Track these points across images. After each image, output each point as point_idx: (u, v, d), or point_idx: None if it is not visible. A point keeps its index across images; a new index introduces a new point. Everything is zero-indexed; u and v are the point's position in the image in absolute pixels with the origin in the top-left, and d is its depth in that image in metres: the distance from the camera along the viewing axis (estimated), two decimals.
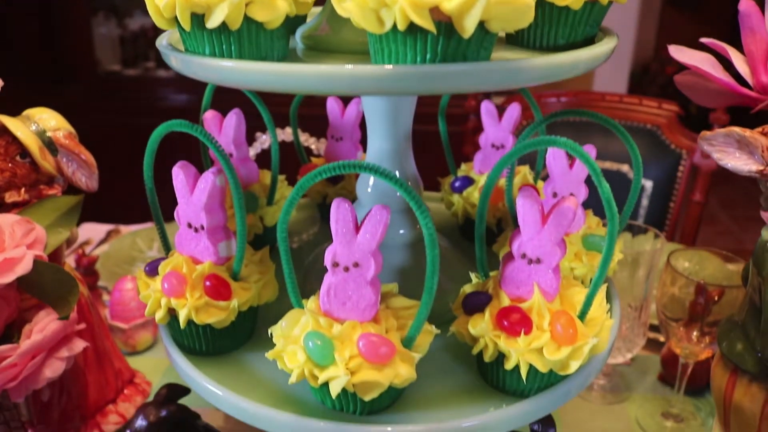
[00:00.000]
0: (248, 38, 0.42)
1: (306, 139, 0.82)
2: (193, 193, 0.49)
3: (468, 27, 0.35)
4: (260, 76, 0.39)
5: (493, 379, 0.48)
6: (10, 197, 0.61)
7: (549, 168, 0.56)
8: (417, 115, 0.58)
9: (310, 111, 1.07)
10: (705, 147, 0.55)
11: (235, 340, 0.52)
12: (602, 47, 0.45)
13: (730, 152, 0.54)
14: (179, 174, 0.49)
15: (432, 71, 0.37)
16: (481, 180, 0.67)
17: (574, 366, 0.44)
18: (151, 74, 2.21)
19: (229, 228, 0.51)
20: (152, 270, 0.51)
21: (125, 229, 1.21)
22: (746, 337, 0.56)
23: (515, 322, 0.44)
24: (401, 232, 0.57)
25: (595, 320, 0.46)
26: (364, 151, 0.72)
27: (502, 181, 0.67)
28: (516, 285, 0.46)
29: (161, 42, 0.48)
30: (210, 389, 0.47)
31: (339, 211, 0.42)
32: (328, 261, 0.43)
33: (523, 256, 0.45)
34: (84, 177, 0.64)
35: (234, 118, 0.61)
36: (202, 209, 0.49)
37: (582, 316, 0.46)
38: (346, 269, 0.43)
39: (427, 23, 0.35)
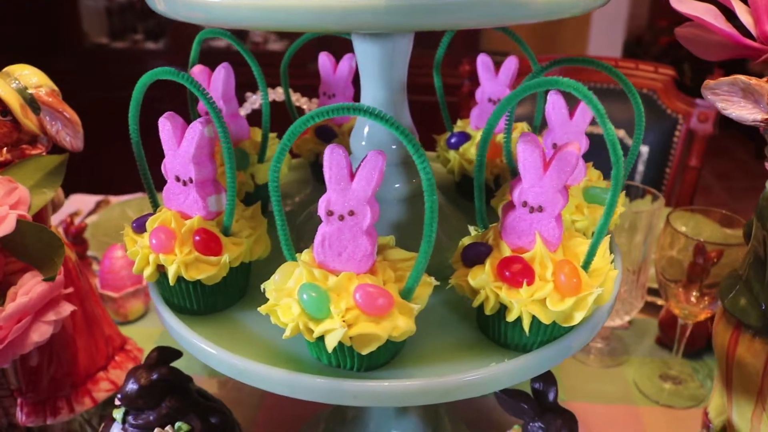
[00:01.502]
0: None
1: (297, 99, 0.80)
2: (181, 144, 0.47)
3: None
4: (251, 12, 0.37)
5: (494, 334, 0.47)
6: None
7: (548, 118, 0.54)
8: (409, 86, 0.57)
9: (302, 81, 1.05)
10: (709, 96, 0.54)
11: (227, 298, 0.51)
12: None
13: (735, 101, 0.53)
14: (166, 125, 0.47)
15: (431, 3, 0.35)
16: (478, 135, 0.65)
17: (578, 317, 0.43)
18: (139, 47, 2.17)
19: (219, 182, 0.50)
20: (140, 226, 0.50)
21: (115, 199, 1.18)
22: (750, 291, 0.55)
23: (517, 272, 0.43)
24: (396, 186, 0.55)
25: (598, 270, 0.44)
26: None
27: (500, 137, 0.65)
28: (517, 235, 0.45)
29: None
30: (203, 348, 0.46)
31: (333, 156, 0.40)
32: (321, 210, 0.41)
33: (525, 204, 0.44)
34: (68, 136, 0.61)
35: (223, 72, 0.59)
36: (190, 161, 0.47)
37: (585, 266, 0.44)
38: (341, 218, 0.41)
39: None
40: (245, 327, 0.49)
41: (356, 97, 0.70)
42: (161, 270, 0.48)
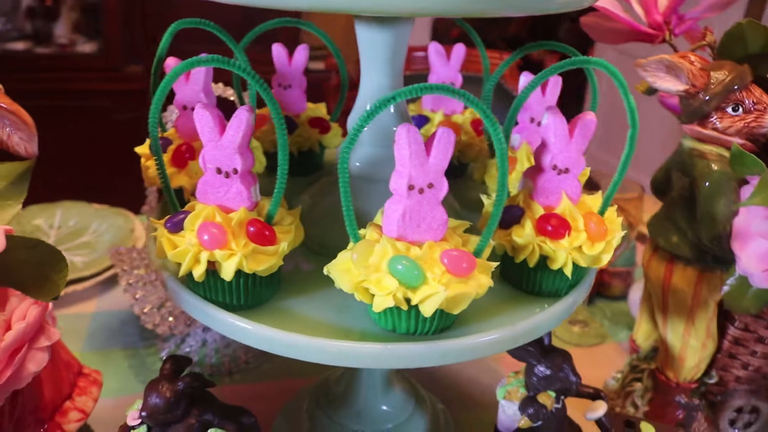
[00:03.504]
0: None
1: (224, 91, 0.77)
2: (225, 134, 0.45)
3: None
4: None
5: (529, 285, 0.52)
6: None
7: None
8: None
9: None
10: (641, 72, 0.64)
11: (271, 289, 0.50)
12: None
13: (661, 76, 0.64)
14: (204, 114, 0.45)
15: None
16: (436, 117, 0.70)
17: (605, 259, 0.50)
18: None
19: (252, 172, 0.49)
20: (175, 225, 0.47)
21: None
22: (678, 229, 0.67)
23: (558, 225, 0.49)
24: None
25: (611, 217, 0.52)
26: (308, 99, 0.72)
27: (455, 117, 0.71)
28: (546, 195, 0.51)
29: None
30: (279, 338, 0.45)
31: (410, 135, 0.43)
32: (401, 186, 0.43)
33: (554, 167, 0.50)
34: (23, 141, 0.54)
35: None
36: (236, 151, 0.45)
37: (601, 214, 0.52)
38: (421, 191, 0.44)
39: None
40: (297, 312, 0.49)
41: (308, 87, 0.71)
42: (209, 267, 0.46)
